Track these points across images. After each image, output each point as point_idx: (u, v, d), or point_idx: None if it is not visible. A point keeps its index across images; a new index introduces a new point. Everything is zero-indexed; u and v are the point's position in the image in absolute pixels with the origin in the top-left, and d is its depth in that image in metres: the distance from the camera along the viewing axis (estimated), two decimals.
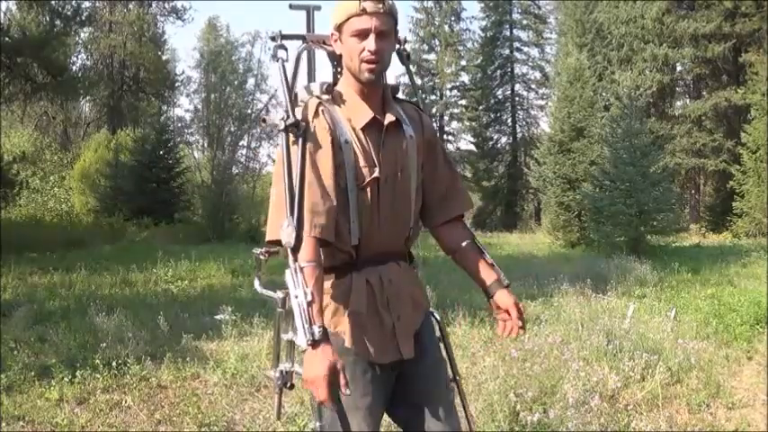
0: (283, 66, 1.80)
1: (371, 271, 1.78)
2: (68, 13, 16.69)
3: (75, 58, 27.80)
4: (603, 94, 25.48)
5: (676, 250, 15.81)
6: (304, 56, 1.90)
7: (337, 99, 1.77)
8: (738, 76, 28.29)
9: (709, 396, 4.15)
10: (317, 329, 1.53)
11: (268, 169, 38.33)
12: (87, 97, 28.96)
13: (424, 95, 36.60)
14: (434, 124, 1.93)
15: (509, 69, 37.89)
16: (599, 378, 4.15)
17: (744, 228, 22.33)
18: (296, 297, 1.57)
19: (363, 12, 1.66)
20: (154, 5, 34.33)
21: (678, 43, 28.38)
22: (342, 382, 1.51)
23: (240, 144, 37.12)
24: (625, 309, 6.44)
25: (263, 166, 35.90)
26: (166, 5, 34.25)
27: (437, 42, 36.41)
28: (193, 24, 77.82)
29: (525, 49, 38.28)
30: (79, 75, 21.09)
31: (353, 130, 1.74)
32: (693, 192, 31.74)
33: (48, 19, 16.30)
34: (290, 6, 1.91)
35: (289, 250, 1.62)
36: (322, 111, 1.72)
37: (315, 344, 1.52)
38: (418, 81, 36.71)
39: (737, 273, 10.87)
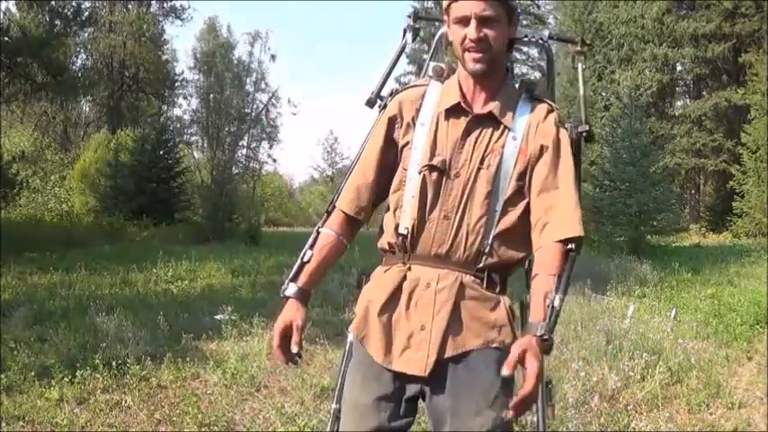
0: (401, 48, 1.87)
1: (418, 270, 1.62)
2: (68, 13, 16.69)
3: (75, 58, 27.83)
4: (603, 94, 25.50)
5: (676, 250, 15.81)
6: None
7: (443, 78, 1.70)
8: (738, 76, 28.30)
9: (709, 396, 4.15)
10: (292, 286, 1.62)
11: (268, 168, 38.35)
12: (87, 97, 28.96)
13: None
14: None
15: (509, 69, 37.86)
16: (599, 378, 4.15)
17: (744, 228, 22.35)
18: (302, 254, 1.65)
19: None
20: (154, 5, 34.33)
21: (678, 43, 28.40)
22: (294, 339, 1.57)
23: (240, 144, 37.21)
24: (625, 309, 6.45)
25: (262, 166, 35.91)
26: (166, 5, 34.25)
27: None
28: (193, 24, 77.91)
29: (525, 48, 38.28)
30: (79, 75, 21.10)
31: (440, 114, 1.64)
32: (693, 192, 31.74)
33: (48, 19, 16.29)
34: (413, 20, 1.99)
35: (325, 213, 1.72)
36: (401, 91, 1.73)
37: (285, 298, 1.62)
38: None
39: (737, 273, 10.87)
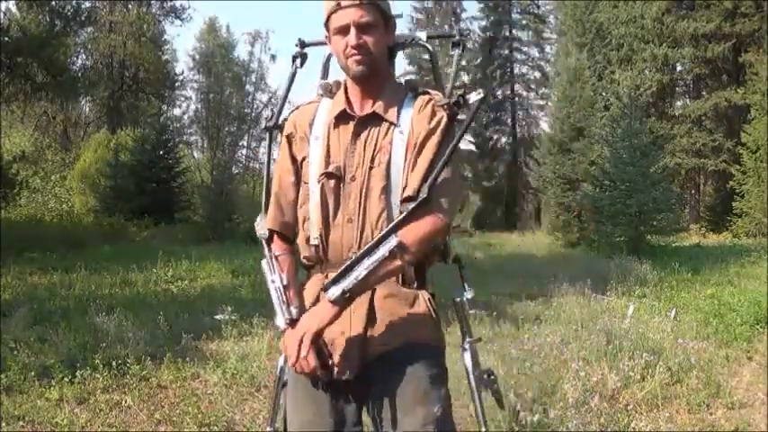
0: (292, 75, 1.90)
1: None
2: (68, 13, 16.68)
3: (75, 58, 27.80)
4: (603, 94, 25.50)
5: (676, 250, 15.80)
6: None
7: (333, 93, 1.77)
8: (738, 76, 28.30)
9: (709, 396, 4.15)
10: (294, 309, 1.64)
11: None
12: (87, 97, 28.96)
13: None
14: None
15: (509, 69, 37.92)
16: (599, 378, 4.15)
17: (744, 228, 22.34)
18: (272, 282, 1.68)
19: (339, 6, 1.62)
20: (154, 5, 34.31)
21: (678, 43, 28.39)
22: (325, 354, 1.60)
23: (240, 144, 37.21)
24: (625, 309, 6.45)
25: (262, 166, 35.94)
26: (166, 5, 34.24)
27: (437, 42, 36.41)
28: (193, 24, 77.86)
29: (525, 48, 38.35)
30: (79, 75, 21.07)
31: (330, 124, 1.71)
32: (693, 192, 31.74)
33: (48, 19, 16.29)
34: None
35: (264, 242, 1.75)
36: (297, 110, 1.79)
37: (292, 323, 1.61)
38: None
39: (737, 273, 10.87)
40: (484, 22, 37.57)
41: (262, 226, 1.77)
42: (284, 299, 1.65)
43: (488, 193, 36.58)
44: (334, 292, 1.50)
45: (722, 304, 6.89)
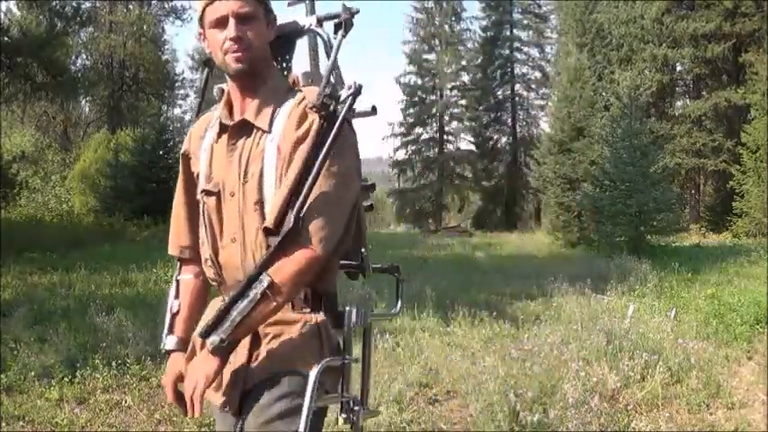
0: (204, 80, 1.75)
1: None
2: (68, 13, 16.70)
3: (75, 58, 27.82)
4: (603, 94, 25.49)
5: (676, 250, 15.80)
6: None
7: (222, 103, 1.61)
8: (738, 76, 28.30)
9: (709, 396, 4.15)
10: (170, 339, 1.63)
11: None
12: (87, 97, 28.98)
13: (421, 93, 36.60)
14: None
15: (509, 69, 37.92)
16: (599, 378, 4.15)
17: (744, 228, 22.34)
18: (169, 306, 1.66)
19: None
20: (154, 5, 34.33)
21: (678, 43, 28.39)
22: (197, 399, 1.46)
23: None
24: (625, 309, 6.45)
25: None
26: (166, 5, 34.26)
27: (437, 42, 36.42)
28: (193, 24, 77.89)
29: (525, 48, 38.34)
30: (79, 75, 21.09)
31: (215, 135, 1.58)
32: (693, 192, 31.74)
33: (48, 19, 16.30)
34: (288, 4, 1.77)
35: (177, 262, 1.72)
36: (190, 133, 1.67)
37: (167, 352, 1.63)
38: (418, 81, 36.75)
39: (737, 273, 10.87)
40: (484, 22, 37.61)
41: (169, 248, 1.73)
42: (168, 326, 1.65)
43: (488, 193, 36.58)
44: (214, 340, 1.37)
45: (722, 304, 6.89)
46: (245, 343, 1.48)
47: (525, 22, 37.93)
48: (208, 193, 1.54)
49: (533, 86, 38.44)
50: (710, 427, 3.74)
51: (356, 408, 1.54)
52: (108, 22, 32.28)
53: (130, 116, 32.56)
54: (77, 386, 4.10)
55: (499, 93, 38.46)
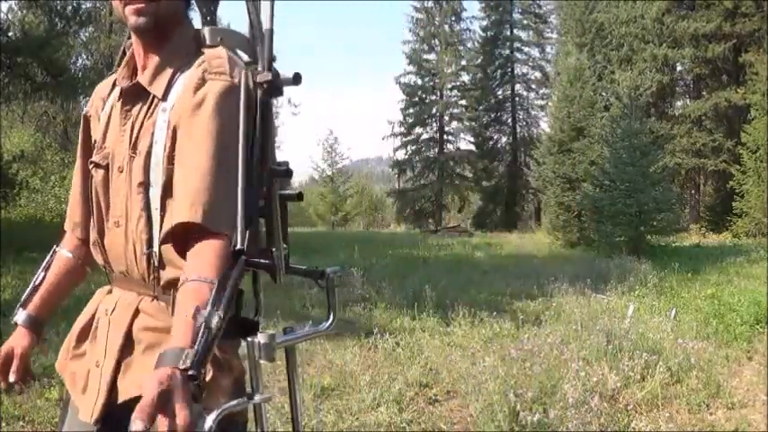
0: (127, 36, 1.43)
1: (114, 291, 1.38)
2: (69, 13, 16.69)
3: (75, 58, 27.80)
4: (603, 94, 25.50)
5: (676, 250, 15.81)
6: None
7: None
8: (738, 76, 28.30)
9: (709, 396, 4.15)
10: (21, 313, 1.46)
11: None
12: (87, 97, 28.92)
13: (421, 93, 36.60)
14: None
15: (509, 69, 37.93)
16: (599, 378, 4.15)
17: (744, 228, 22.35)
18: (35, 276, 1.49)
19: None
20: None
21: (678, 43, 28.40)
22: (13, 368, 1.38)
23: None
24: (625, 309, 6.45)
25: None
26: None
27: (437, 42, 36.42)
28: (193, 24, 77.85)
29: (525, 48, 38.34)
30: (79, 75, 21.08)
31: (114, 98, 1.38)
32: (693, 192, 31.75)
33: (48, 19, 16.30)
34: None
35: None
36: (102, 83, 1.48)
37: (15, 324, 1.46)
38: (418, 81, 36.74)
39: (737, 273, 10.88)
40: (485, 22, 37.61)
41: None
42: (24, 298, 1.47)
43: (488, 193, 36.58)
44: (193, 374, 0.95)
45: (722, 304, 6.90)
46: (115, 346, 1.28)
47: (525, 22, 37.94)
48: (96, 165, 1.34)
49: (533, 86, 38.46)
50: (710, 427, 3.74)
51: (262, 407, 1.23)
52: (108, 22, 32.29)
53: None
54: None
55: (499, 93, 38.48)
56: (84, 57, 32.91)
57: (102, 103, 1.42)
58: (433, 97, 36.91)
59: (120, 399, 1.25)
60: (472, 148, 37.60)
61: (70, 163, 27.33)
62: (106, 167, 1.32)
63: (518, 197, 36.52)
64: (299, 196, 1.31)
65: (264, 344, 1.17)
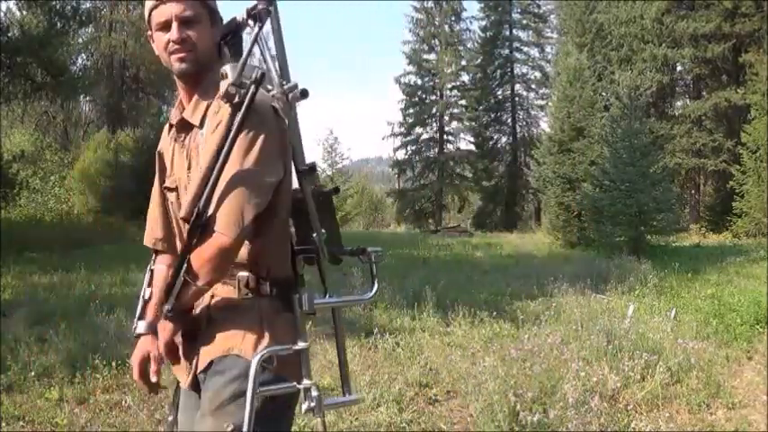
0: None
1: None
2: (68, 12, 16.69)
3: (75, 58, 27.79)
4: (603, 94, 25.50)
5: (676, 250, 15.81)
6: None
7: None
8: (738, 76, 28.30)
9: (709, 396, 4.15)
10: (141, 324, 1.72)
11: None
12: (87, 97, 28.96)
13: (421, 94, 36.57)
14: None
15: (509, 69, 37.93)
16: (599, 378, 4.15)
17: (744, 228, 22.35)
18: (142, 294, 1.75)
19: (161, 1, 1.55)
20: None
21: (678, 43, 28.40)
22: (152, 369, 1.67)
23: None
24: (625, 309, 6.45)
25: None
26: None
27: (437, 42, 36.42)
28: None
29: (525, 48, 38.34)
30: (79, 75, 21.08)
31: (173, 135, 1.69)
32: (693, 192, 31.75)
33: (47, 19, 16.29)
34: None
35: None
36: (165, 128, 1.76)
37: (136, 336, 1.72)
38: (418, 81, 36.74)
39: (737, 273, 10.88)
40: (484, 22, 37.60)
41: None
42: (138, 311, 1.73)
43: (488, 193, 36.57)
44: (166, 309, 1.50)
45: (722, 304, 6.90)
46: (201, 325, 1.58)
47: (525, 21, 37.93)
48: (168, 189, 1.67)
49: (533, 86, 38.46)
50: (710, 428, 3.74)
51: (315, 393, 1.53)
52: (108, 22, 32.27)
53: (131, 116, 32.53)
54: (77, 386, 4.10)
55: (499, 93, 38.47)
56: (84, 57, 32.90)
57: (167, 139, 1.72)
58: (433, 97, 36.91)
59: (200, 368, 1.57)
60: (472, 148, 37.60)
61: (70, 163, 27.32)
62: (176, 189, 1.65)
63: (518, 197, 36.52)
64: (336, 190, 1.68)
65: (308, 299, 1.53)
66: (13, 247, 11.31)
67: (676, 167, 27.07)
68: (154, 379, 1.65)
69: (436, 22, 36.30)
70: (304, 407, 1.54)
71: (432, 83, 36.56)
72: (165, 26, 1.55)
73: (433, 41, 36.54)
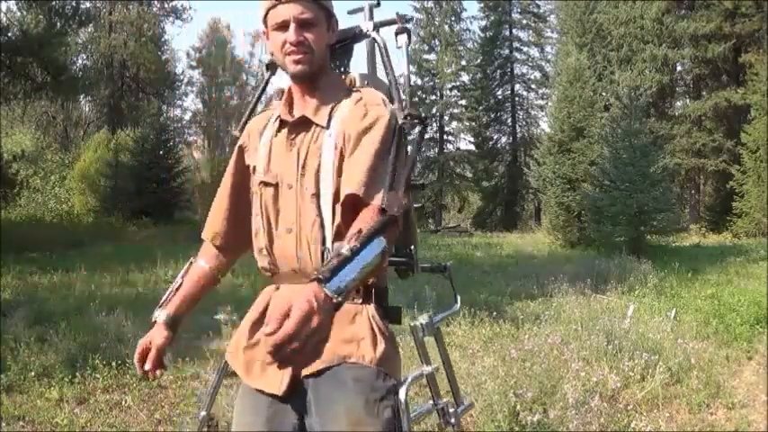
0: (265, 81, 1.87)
1: (284, 289, 1.61)
2: (68, 12, 16.69)
3: (75, 58, 27.79)
4: (603, 94, 25.50)
5: (676, 250, 15.81)
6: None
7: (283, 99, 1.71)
8: (738, 76, 28.29)
9: (709, 396, 4.15)
10: (161, 313, 1.69)
11: None
12: (87, 97, 28.96)
13: (421, 94, 36.62)
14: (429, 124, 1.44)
15: (509, 69, 37.93)
16: (599, 378, 4.15)
17: (744, 228, 22.35)
18: (175, 281, 1.73)
19: (279, 1, 1.55)
20: (154, 5, 34.33)
21: (678, 43, 28.40)
22: (150, 357, 1.64)
23: None
24: (625, 309, 6.45)
25: None
26: (166, 5, 34.25)
27: (437, 42, 36.41)
28: (193, 24, 77.90)
29: (525, 48, 38.33)
30: (79, 75, 21.07)
31: (274, 131, 1.67)
32: (693, 192, 31.75)
33: (47, 18, 16.29)
34: (348, 12, 1.88)
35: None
36: (253, 119, 1.76)
37: (153, 323, 1.69)
38: (418, 81, 36.77)
39: (737, 273, 10.88)
40: (484, 22, 37.58)
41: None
42: (164, 298, 1.72)
43: (488, 193, 36.56)
44: (339, 287, 1.15)
45: (722, 304, 6.90)
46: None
47: (524, 21, 37.93)
48: (266, 184, 1.62)
49: (533, 86, 38.43)
50: (711, 428, 3.74)
51: (451, 410, 1.68)
52: (108, 22, 32.27)
53: (130, 116, 32.53)
54: (77, 386, 4.10)
55: (499, 93, 38.45)
56: (84, 57, 32.90)
57: (258, 136, 1.70)
58: (433, 97, 36.88)
59: (304, 373, 1.51)
60: (472, 148, 37.59)
61: (70, 163, 27.33)
62: (275, 185, 1.60)
63: (518, 197, 36.49)
64: (422, 186, 1.82)
65: (427, 323, 1.62)
66: (13, 247, 11.32)
67: (676, 167, 27.06)
68: (147, 366, 1.64)
69: (436, 22, 36.28)
70: (437, 425, 1.65)
71: (432, 83, 36.55)
72: (283, 27, 1.55)
73: (433, 41, 36.53)
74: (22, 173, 19.18)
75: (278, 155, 1.62)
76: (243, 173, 1.72)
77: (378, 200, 1.40)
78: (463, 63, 36.87)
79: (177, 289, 1.74)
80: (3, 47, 14.37)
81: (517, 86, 38.12)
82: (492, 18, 37.36)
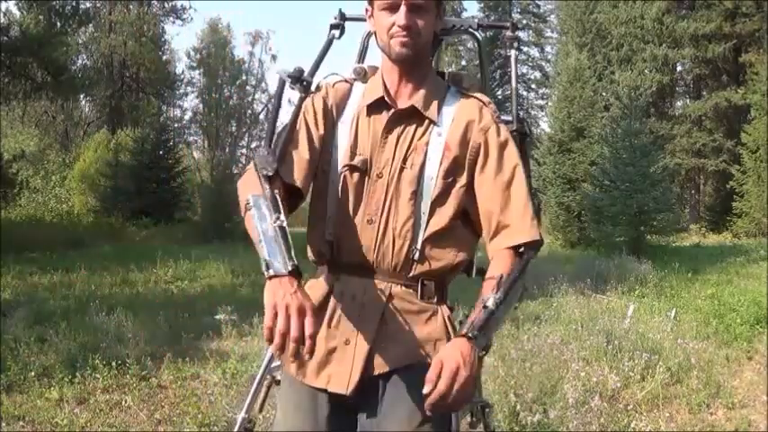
0: (328, 40, 1.73)
1: (346, 280, 1.49)
2: (68, 12, 16.70)
3: (75, 58, 27.78)
4: (603, 94, 25.51)
5: (676, 250, 15.81)
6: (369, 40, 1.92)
7: (367, 78, 1.59)
8: (738, 76, 28.31)
9: (709, 396, 4.15)
10: (278, 263, 1.24)
11: None
12: (87, 97, 28.97)
13: None
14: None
15: (509, 69, 37.91)
16: (599, 378, 4.15)
17: (744, 228, 22.36)
18: (276, 220, 1.30)
19: None
20: (154, 5, 34.35)
21: (678, 43, 28.41)
22: (309, 326, 1.18)
23: (240, 144, 37.23)
24: (625, 309, 6.45)
25: None
26: (166, 5, 34.28)
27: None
28: (193, 24, 77.93)
29: (525, 48, 38.34)
30: (79, 75, 21.08)
31: (361, 110, 1.53)
32: (693, 192, 31.76)
33: (47, 18, 16.29)
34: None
35: (261, 176, 1.41)
36: (329, 85, 1.60)
37: (273, 276, 1.22)
38: None
39: (737, 273, 10.88)
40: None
41: (267, 161, 1.43)
42: (286, 244, 1.26)
43: None
44: (483, 345, 1.31)
45: (722, 304, 6.90)
46: (372, 326, 1.44)
47: (525, 21, 37.94)
48: (352, 168, 1.49)
49: (533, 86, 38.46)
50: (711, 428, 3.74)
51: (487, 409, 1.69)
52: (108, 22, 32.29)
53: (130, 116, 32.55)
54: (77, 386, 4.10)
55: (499, 93, 38.47)
56: (84, 57, 32.91)
57: (343, 104, 1.57)
58: None
59: (376, 371, 1.43)
60: None
61: (70, 163, 27.32)
62: (363, 171, 1.49)
63: None
64: None
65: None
66: (13, 247, 11.31)
67: (676, 167, 27.07)
68: (308, 332, 1.18)
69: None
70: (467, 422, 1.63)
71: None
72: (393, 8, 1.46)
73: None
74: (23, 173, 19.18)
75: (369, 139, 1.51)
76: (327, 131, 1.53)
77: (533, 235, 1.50)
78: (463, 63, 36.89)
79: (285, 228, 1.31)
80: (3, 47, 14.38)
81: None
82: (492, 18, 37.37)
